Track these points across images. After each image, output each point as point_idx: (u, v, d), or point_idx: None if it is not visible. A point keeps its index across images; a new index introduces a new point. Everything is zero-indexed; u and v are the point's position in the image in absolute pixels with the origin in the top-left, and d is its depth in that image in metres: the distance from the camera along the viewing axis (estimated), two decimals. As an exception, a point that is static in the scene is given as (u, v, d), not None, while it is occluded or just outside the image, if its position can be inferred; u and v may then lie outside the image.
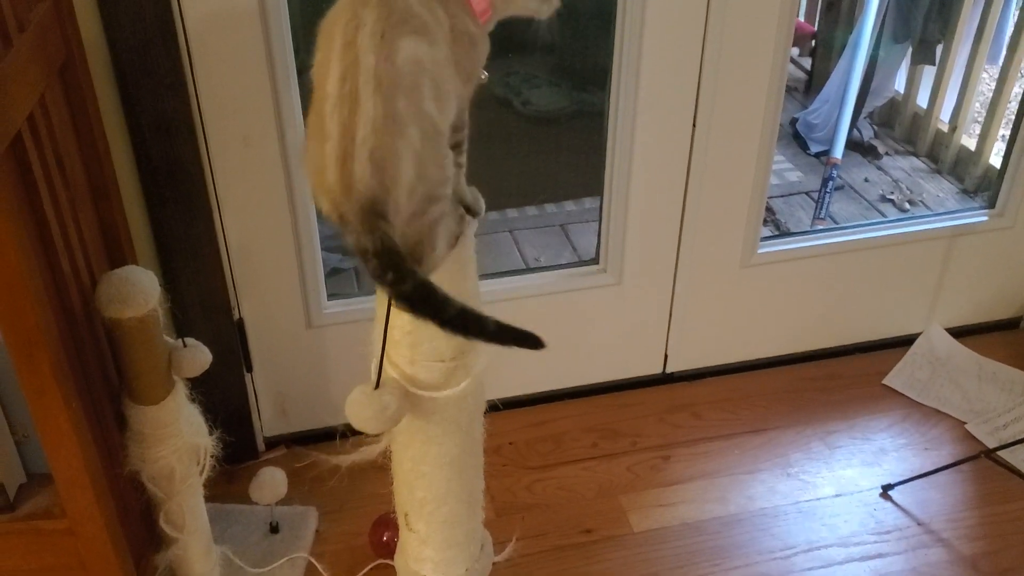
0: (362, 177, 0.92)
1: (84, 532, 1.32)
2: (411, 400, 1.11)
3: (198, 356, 1.42)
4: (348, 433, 1.17)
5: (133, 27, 1.45)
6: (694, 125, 1.85)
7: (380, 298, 1.10)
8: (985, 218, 2.19)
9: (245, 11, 1.54)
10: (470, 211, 1.11)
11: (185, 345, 1.42)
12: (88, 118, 1.38)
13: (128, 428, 1.42)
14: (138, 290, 1.32)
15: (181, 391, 1.45)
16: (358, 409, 1.07)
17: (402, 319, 1.07)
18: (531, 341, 1.03)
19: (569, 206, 2.73)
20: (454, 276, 1.06)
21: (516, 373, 2.07)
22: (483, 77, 1.07)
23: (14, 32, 1.13)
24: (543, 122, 2.77)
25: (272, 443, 1.99)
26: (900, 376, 2.19)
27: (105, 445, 1.36)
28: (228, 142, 1.64)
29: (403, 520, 1.25)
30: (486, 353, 1.15)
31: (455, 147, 1.03)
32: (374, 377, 1.10)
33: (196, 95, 1.57)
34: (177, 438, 1.44)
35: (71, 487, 1.29)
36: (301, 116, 1.67)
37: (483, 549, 1.33)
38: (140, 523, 1.49)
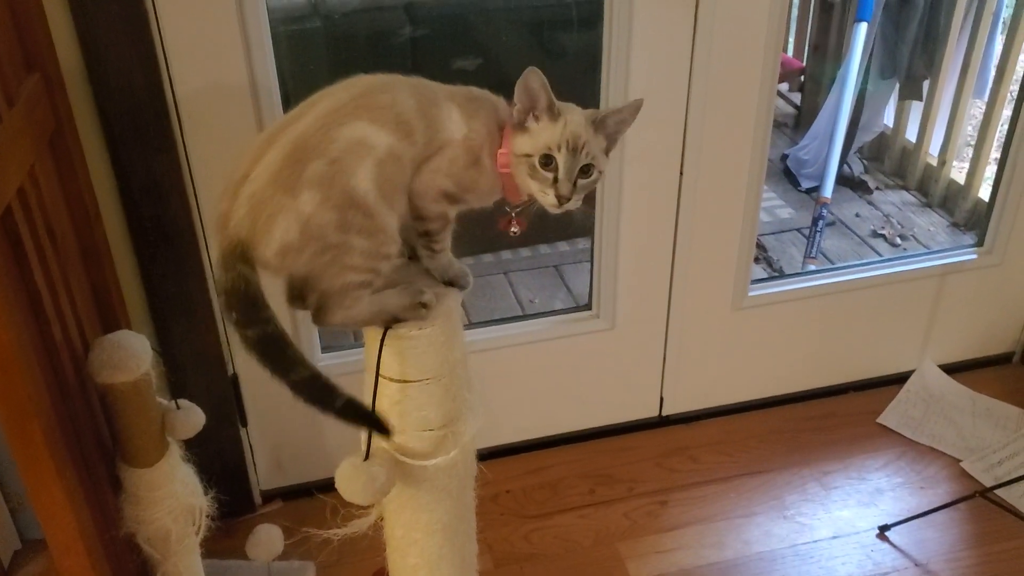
0: (235, 217, 0.98)
1: (79, 598, 1.32)
2: (401, 469, 1.11)
3: (191, 418, 1.43)
4: (340, 506, 1.18)
5: (123, 94, 1.47)
6: (681, 170, 1.87)
7: (368, 366, 1.11)
8: (974, 256, 2.20)
9: (233, 69, 1.56)
10: (454, 284, 1.13)
11: (179, 407, 1.43)
12: (78, 184, 1.39)
13: (123, 490, 1.42)
14: (130, 355, 1.32)
15: (175, 452, 1.45)
16: (347, 482, 1.08)
17: (390, 388, 1.08)
18: (377, 425, 1.06)
19: (562, 247, 2.74)
20: (441, 343, 1.07)
21: (512, 419, 2.08)
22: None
23: (3, 108, 1.15)
24: (535, 163, 2.79)
25: (269, 496, 1.99)
26: (894, 414, 2.19)
27: (100, 508, 1.35)
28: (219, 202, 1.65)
29: (396, 587, 1.26)
30: (476, 421, 1.16)
31: (423, 235, 1.09)
32: (363, 448, 1.10)
33: (186, 156, 1.59)
34: (172, 499, 1.44)
35: (66, 553, 1.28)
36: (291, 173, 1.69)
37: (478, 611, 1.33)
38: (136, 585, 1.49)
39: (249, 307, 0.99)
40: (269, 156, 0.98)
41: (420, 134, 1.02)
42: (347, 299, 1.03)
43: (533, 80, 1.06)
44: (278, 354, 1.01)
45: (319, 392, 1.03)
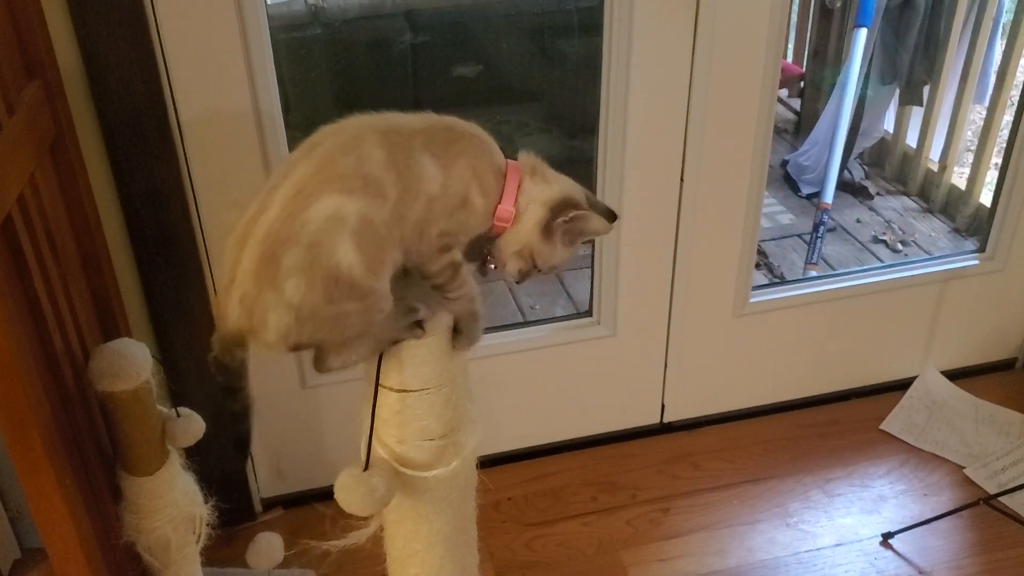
0: (231, 315, 1.00)
1: (79, 607, 1.32)
2: (401, 480, 1.11)
3: (192, 426, 1.42)
4: (339, 516, 1.17)
5: (123, 101, 1.47)
6: (682, 176, 1.86)
7: (368, 376, 1.10)
8: (976, 261, 2.20)
9: (233, 76, 1.55)
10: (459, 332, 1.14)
11: (179, 415, 1.42)
12: (79, 192, 1.39)
13: (123, 499, 1.41)
14: (130, 363, 1.32)
15: (176, 460, 1.44)
16: (347, 493, 1.07)
17: (390, 398, 1.07)
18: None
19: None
20: (440, 353, 1.07)
21: (513, 427, 2.07)
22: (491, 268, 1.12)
23: (3, 116, 1.14)
24: (536, 170, 2.79)
25: (269, 504, 1.98)
26: (897, 421, 2.19)
27: (100, 517, 1.35)
28: (219, 208, 1.64)
29: (397, 596, 1.25)
30: (476, 431, 1.15)
31: (437, 287, 1.07)
32: (363, 458, 1.09)
33: (187, 163, 1.59)
34: (172, 508, 1.43)
35: (66, 562, 1.28)
36: (292, 180, 1.68)
37: (479, 620, 1.32)
38: (136, 594, 1.48)
39: (234, 376, 1.05)
40: (245, 257, 0.98)
41: (392, 187, 0.99)
42: (344, 349, 1.04)
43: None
44: (237, 424, 1.10)
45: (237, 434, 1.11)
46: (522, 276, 1.10)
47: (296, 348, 1.02)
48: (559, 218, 1.05)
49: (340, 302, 0.98)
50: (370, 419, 1.09)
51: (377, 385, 1.06)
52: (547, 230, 1.06)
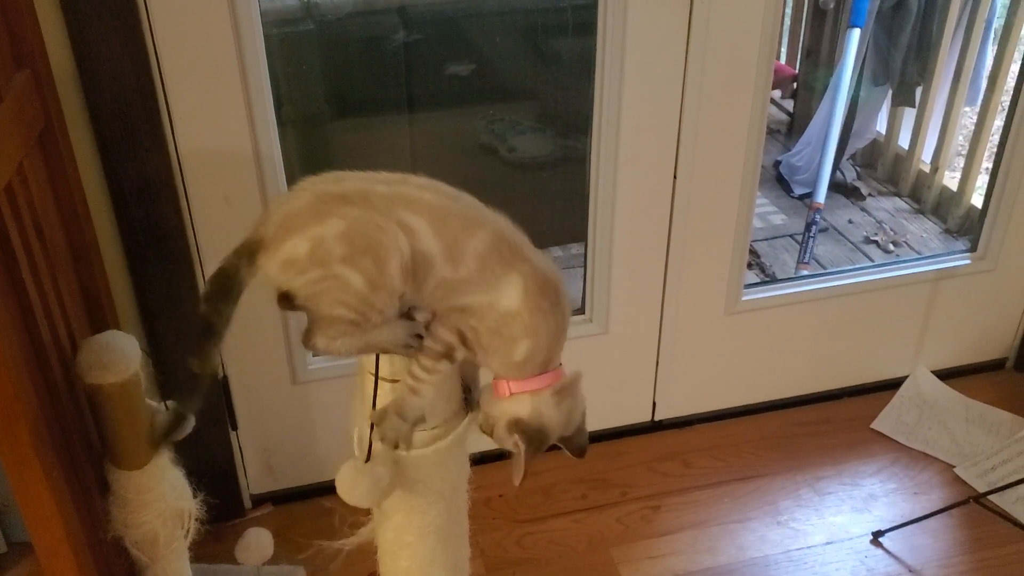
0: (266, 223, 1.00)
1: (66, 601, 1.31)
2: (398, 467, 1.10)
3: (181, 420, 1.41)
4: (346, 513, 1.17)
5: (113, 91, 1.46)
6: (675, 175, 1.86)
7: (362, 371, 1.10)
8: (968, 261, 2.20)
9: (225, 70, 1.55)
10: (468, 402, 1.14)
11: (168, 409, 1.41)
12: (68, 183, 1.38)
13: (111, 493, 1.40)
14: (119, 356, 1.31)
15: (164, 455, 1.43)
16: (351, 485, 1.07)
17: (383, 388, 1.07)
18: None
19: (556, 252, 2.73)
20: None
21: (504, 424, 2.06)
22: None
23: (-9, 105, 1.14)
24: (528, 168, 2.78)
25: (259, 500, 1.97)
26: (888, 420, 2.19)
27: (87, 511, 1.34)
28: (210, 201, 1.64)
29: (387, 589, 1.24)
30: (473, 421, 1.15)
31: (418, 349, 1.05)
32: (355, 450, 1.09)
33: (177, 156, 1.58)
34: (161, 502, 1.43)
35: (52, 556, 1.27)
36: (283, 173, 1.68)
37: (470, 615, 1.32)
38: (124, 589, 1.47)
39: (223, 292, 1.01)
40: (327, 187, 1.00)
41: (462, 272, 0.99)
42: (332, 330, 1.02)
43: None
44: (205, 339, 1.03)
45: (190, 384, 1.08)
46: (484, 430, 1.11)
47: (289, 296, 1.01)
48: (516, 436, 1.07)
49: (353, 269, 0.97)
50: (371, 409, 1.08)
51: (377, 376, 1.06)
52: (511, 429, 1.07)
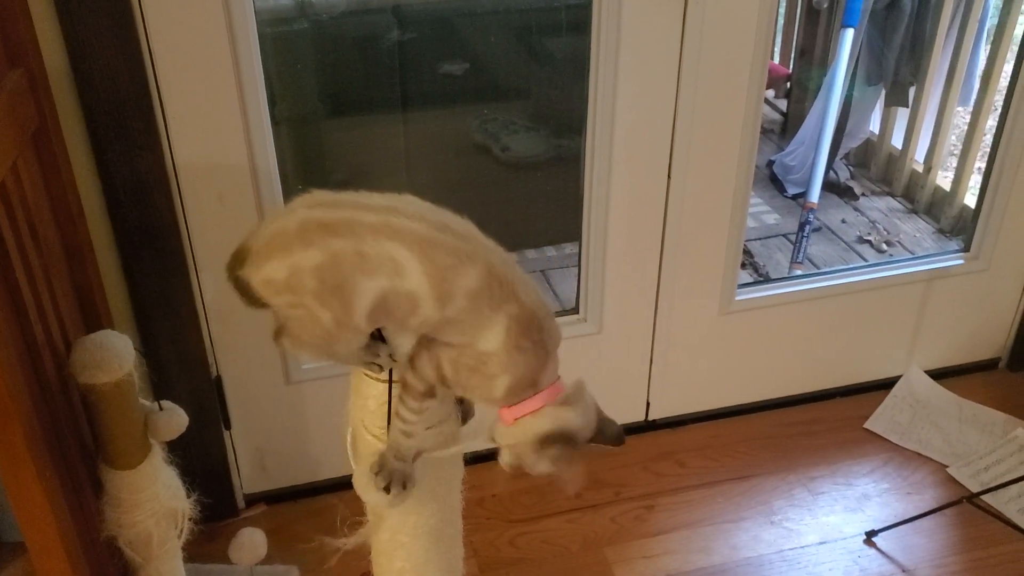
0: (257, 235, 1.01)
1: (59, 601, 1.30)
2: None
3: (174, 419, 1.41)
4: (347, 512, 1.17)
5: (107, 91, 1.45)
6: (669, 174, 1.86)
7: (356, 370, 1.10)
8: (961, 261, 2.21)
9: (219, 69, 1.54)
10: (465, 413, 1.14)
11: (161, 408, 1.41)
12: (62, 182, 1.38)
13: (104, 493, 1.40)
14: (112, 355, 1.31)
15: (158, 454, 1.43)
16: (366, 488, 1.07)
17: (377, 389, 1.07)
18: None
19: (550, 251, 2.73)
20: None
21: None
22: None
23: (-15, 103, 1.13)
24: (522, 168, 2.78)
25: (252, 500, 1.97)
26: (881, 420, 2.19)
27: (81, 511, 1.34)
28: (203, 200, 1.64)
29: (382, 590, 1.24)
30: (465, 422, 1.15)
31: (402, 385, 1.05)
32: (350, 449, 1.09)
33: (171, 155, 1.58)
34: (154, 502, 1.42)
35: (45, 556, 1.27)
36: (277, 173, 1.68)
37: (464, 616, 1.32)
38: (117, 589, 1.47)
39: (233, 267, 1.05)
40: (317, 213, 0.99)
41: (452, 311, 0.98)
42: (297, 347, 1.04)
43: None
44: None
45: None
46: (512, 469, 1.09)
47: (266, 306, 1.03)
48: (551, 450, 1.04)
49: (322, 307, 0.98)
50: (386, 410, 1.08)
51: (391, 380, 1.06)
52: (538, 449, 1.05)
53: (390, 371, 1.08)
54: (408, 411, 1.05)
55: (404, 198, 1.01)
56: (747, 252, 2.76)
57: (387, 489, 1.09)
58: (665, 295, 2.00)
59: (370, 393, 1.08)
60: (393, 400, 1.07)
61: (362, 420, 1.11)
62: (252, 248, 1.01)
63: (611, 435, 1.10)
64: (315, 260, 0.96)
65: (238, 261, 1.02)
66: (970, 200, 2.78)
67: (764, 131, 3.41)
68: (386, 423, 1.09)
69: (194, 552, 1.62)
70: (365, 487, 1.10)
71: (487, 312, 0.98)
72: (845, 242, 2.87)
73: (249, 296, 1.03)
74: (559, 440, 1.03)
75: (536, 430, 1.03)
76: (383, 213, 0.98)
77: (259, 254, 1.00)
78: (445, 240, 0.98)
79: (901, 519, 1.89)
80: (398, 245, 0.96)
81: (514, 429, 1.04)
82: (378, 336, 1.07)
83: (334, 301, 0.97)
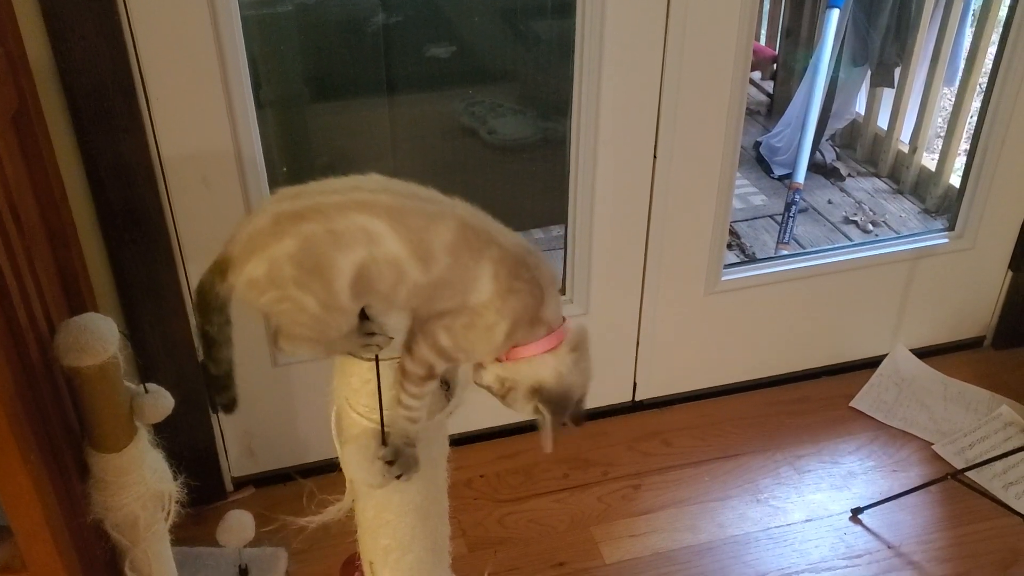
0: (234, 242, 1.01)
1: (46, 585, 1.30)
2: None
3: (160, 402, 1.41)
4: (316, 491, 1.17)
5: (88, 71, 1.44)
6: (655, 155, 1.86)
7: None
8: (946, 240, 2.22)
9: (202, 51, 1.53)
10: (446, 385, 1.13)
11: (147, 391, 1.41)
12: (43, 165, 1.37)
13: (90, 476, 1.40)
14: (96, 338, 1.30)
15: (144, 437, 1.43)
16: (363, 467, 1.07)
17: (361, 367, 1.07)
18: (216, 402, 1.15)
19: (537, 234, 2.73)
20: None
21: (485, 404, 2.06)
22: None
23: (-36, 84, 1.12)
24: (509, 150, 2.78)
25: (240, 483, 1.97)
26: (867, 398, 2.20)
27: (67, 494, 1.33)
28: (187, 183, 1.63)
29: (368, 569, 1.24)
30: (453, 400, 1.15)
31: (401, 373, 1.05)
32: (335, 429, 1.09)
33: (154, 137, 1.57)
34: (140, 485, 1.42)
35: (31, 540, 1.27)
36: (261, 155, 1.67)
37: (450, 594, 1.32)
38: (105, 572, 1.47)
39: (206, 305, 1.04)
40: (287, 204, 1.00)
41: (435, 272, 0.98)
42: (294, 343, 1.04)
43: None
44: (208, 345, 1.08)
45: (213, 383, 1.13)
46: (486, 388, 1.09)
47: (257, 310, 1.02)
48: (538, 403, 1.05)
49: (305, 293, 0.98)
50: (372, 388, 1.09)
51: (378, 358, 1.06)
52: (529, 395, 1.05)
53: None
54: (410, 398, 1.05)
55: (367, 176, 1.02)
56: (733, 233, 2.77)
57: (399, 476, 1.09)
58: (651, 276, 2.01)
59: (353, 371, 1.08)
60: (394, 389, 1.06)
61: (347, 398, 1.11)
62: (231, 256, 1.01)
63: (577, 414, 1.10)
64: (290, 248, 0.97)
65: (219, 273, 1.01)
66: (955, 180, 2.79)
67: (750, 112, 3.41)
68: (372, 401, 1.09)
69: (182, 535, 1.62)
70: (357, 465, 1.10)
71: (470, 264, 0.98)
72: (831, 222, 2.88)
73: (211, 317, 1.04)
74: (554, 399, 1.03)
75: (536, 378, 1.02)
76: (348, 192, 0.99)
77: (239, 259, 1.00)
78: (412, 204, 0.99)
79: (887, 496, 1.91)
80: (367, 216, 0.97)
81: (519, 365, 1.03)
82: (365, 316, 1.07)
83: (315, 283, 0.97)
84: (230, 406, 1.15)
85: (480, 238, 0.99)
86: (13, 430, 1.15)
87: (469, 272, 0.99)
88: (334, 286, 0.97)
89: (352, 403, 1.10)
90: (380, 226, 0.96)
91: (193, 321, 1.71)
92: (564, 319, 1.05)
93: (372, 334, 1.06)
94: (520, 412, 1.06)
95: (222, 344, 1.07)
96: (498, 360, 1.04)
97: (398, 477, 1.09)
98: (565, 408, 1.05)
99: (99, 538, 1.43)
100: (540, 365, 1.03)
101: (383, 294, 1.00)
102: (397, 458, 1.09)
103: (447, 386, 1.15)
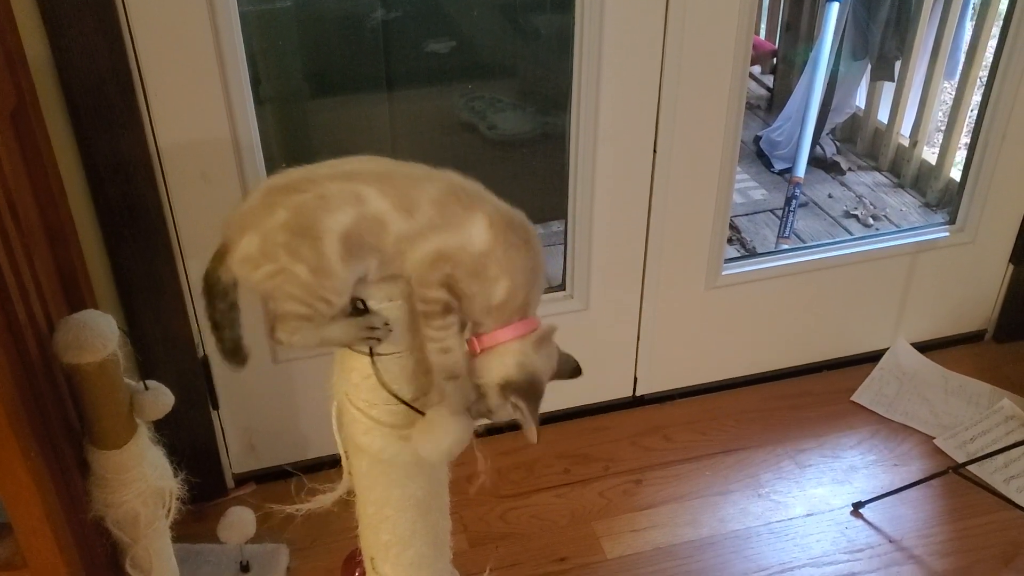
0: (230, 222, 1.03)
1: (47, 582, 1.30)
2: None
3: (160, 398, 1.41)
4: (302, 476, 1.17)
5: (86, 67, 1.44)
6: (655, 150, 1.86)
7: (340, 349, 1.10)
8: (946, 234, 2.21)
9: (200, 47, 1.53)
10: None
11: (147, 388, 1.41)
12: (42, 161, 1.37)
13: (91, 473, 1.40)
14: (96, 335, 1.30)
15: (144, 434, 1.43)
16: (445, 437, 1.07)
17: (361, 362, 1.07)
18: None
19: (537, 230, 2.72)
20: (412, 318, 1.05)
21: (486, 401, 2.06)
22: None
23: (-39, 81, 1.12)
24: (509, 146, 2.78)
25: (241, 480, 1.97)
26: (868, 392, 2.20)
27: (67, 491, 1.33)
28: (187, 179, 1.63)
29: (369, 565, 1.24)
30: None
31: (423, 315, 1.04)
32: (335, 423, 1.09)
33: (152, 132, 1.56)
34: (141, 482, 1.42)
35: (32, 537, 1.27)
36: (260, 149, 1.67)
37: (451, 589, 1.32)
38: (106, 569, 1.47)
39: (211, 293, 1.07)
40: (276, 180, 1.03)
41: (421, 218, 1.00)
42: (289, 325, 1.04)
43: None
44: (216, 331, 1.10)
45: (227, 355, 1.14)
46: (476, 415, 1.10)
47: (254, 289, 1.04)
48: (513, 397, 1.05)
49: (295, 259, 0.99)
50: (371, 383, 1.09)
51: (373, 353, 1.06)
52: (501, 393, 1.05)
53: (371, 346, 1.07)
54: (435, 330, 1.04)
55: (357, 156, 1.05)
56: (734, 227, 2.77)
57: (471, 411, 1.10)
58: (652, 271, 2.00)
59: (353, 366, 1.08)
60: (419, 326, 1.06)
61: (346, 393, 1.10)
62: (227, 238, 1.03)
63: (569, 370, 1.11)
64: (282, 218, 0.99)
65: (219, 257, 1.04)
66: (956, 174, 2.78)
67: (750, 107, 3.41)
68: (372, 396, 1.09)
69: (183, 532, 1.62)
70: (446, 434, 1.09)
71: (460, 211, 1.01)
72: (831, 217, 2.87)
73: (215, 303, 1.06)
74: (524, 386, 1.03)
75: (501, 375, 1.03)
76: (336, 165, 1.03)
77: (234, 238, 1.02)
78: (402, 171, 1.03)
79: (888, 490, 1.90)
80: (357, 183, 1.00)
81: (486, 364, 1.04)
82: (364, 309, 1.06)
83: (304, 247, 0.98)
84: (241, 364, 1.16)
85: (471, 196, 1.02)
86: (13, 427, 1.15)
87: (459, 218, 1.00)
88: (323, 246, 0.98)
89: (352, 398, 1.10)
90: (368, 190, 1.00)
91: (193, 314, 1.73)
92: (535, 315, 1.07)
93: (373, 326, 1.06)
94: (500, 417, 1.07)
95: (227, 328, 1.09)
96: (471, 353, 1.05)
97: (469, 410, 1.09)
98: (537, 394, 1.05)
99: (100, 535, 1.43)
100: (505, 354, 1.04)
101: (371, 246, 1.01)
102: (446, 394, 1.07)
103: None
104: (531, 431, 1.06)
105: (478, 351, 1.05)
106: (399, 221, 1.00)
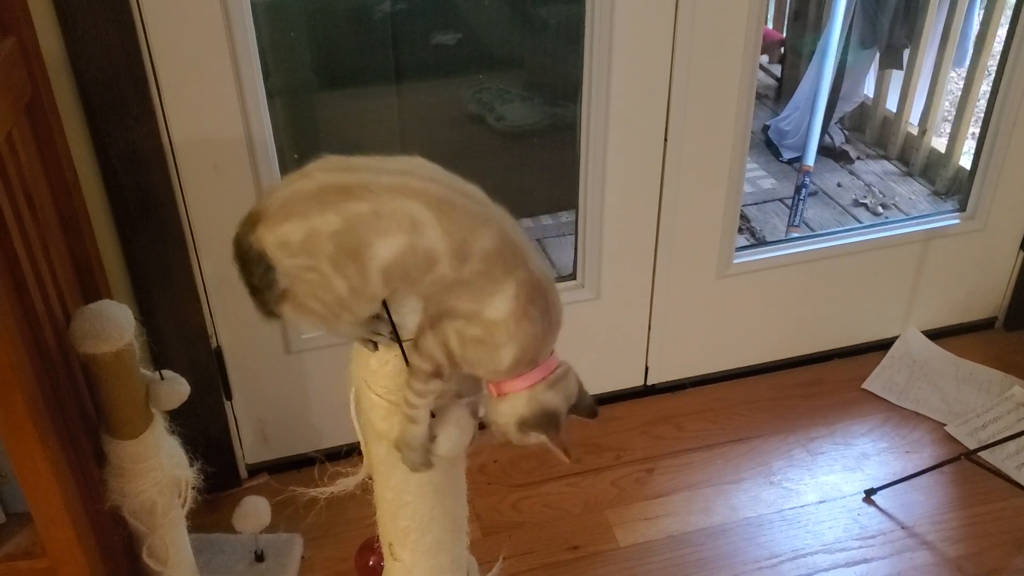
0: (272, 196, 0.99)
1: (65, 570, 1.31)
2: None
3: (176, 388, 1.42)
4: (324, 461, 1.17)
5: (100, 60, 1.45)
6: (666, 139, 1.86)
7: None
8: (957, 221, 2.21)
9: (213, 39, 1.54)
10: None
11: (163, 378, 1.41)
12: (56, 152, 1.37)
13: (107, 463, 1.41)
14: (112, 324, 1.31)
15: (160, 424, 1.44)
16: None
17: (381, 349, 1.07)
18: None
19: (546, 220, 2.73)
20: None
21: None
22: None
23: (-22, 72, 1.13)
24: (517, 137, 2.78)
25: (254, 470, 1.98)
26: (879, 380, 2.20)
27: (84, 481, 1.34)
28: (199, 170, 1.63)
29: (387, 550, 1.25)
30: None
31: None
32: (353, 410, 1.09)
33: (166, 124, 1.57)
34: (157, 471, 1.43)
35: (51, 525, 1.27)
36: (272, 142, 1.67)
37: (468, 575, 1.32)
38: (123, 558, 1.48)
39: (242, 258, 1.01)
40: (332, 177, 0.98)
41: (465, 272, 0.97)
42: (299, 311, 1.02)
43: None
44: (254, 295, 1.03)
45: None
46: (502, 440, 1.09)
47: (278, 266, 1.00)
48: (532, 433, 1.05)
49: (338, 275, 0.97)
50: (388, 369, 1.09)
51: (400, 339, 1.06)
52: (520, 430, 1.05)
53: (393, 326, 1.07)
54: (414, 395, 1.05)
55: (416, 160, 1.00)
56: (744, 217, 2.77)
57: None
58: (663, 260, 2.01)
59: (370, 353, 1.08)
60: (402, 390, 1.07)
61: (365, 380, 1.11)
62: (266, 210, 0.98)
63: (585, 408, 1.10)
64: (333, 225, 0.95)
65: (251, 224, 0.99)
66: (965, 162, 2.78)
67: (759, 96, 3.40)
68: (390, 382, 1.09)
69: (198, 522, 1.63)
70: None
71: (499, 276, 0.97)
72: (841, 205, 2.87)
73: (251, 268, 1.00)
74: (539, 424, 1.04)
75: (518, 413, 1.03)
76: (399, 175, 0.97)
77: (274, 216, 0.98)
78: (462, 202, 0.97)
79: (900, 477, 1.91)
80: (416, 203, 0.95)
81: (500, 405, 1.04)
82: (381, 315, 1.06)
83: (351, 267, 0.96)
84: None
85: (516, 256, 0.98)
86: (31, 415, 1.16)
87: (494, 284, 0.98)
88: (369, 270, 0.96)
89: (371, 384, 1.10)
90: (427, 216, 0.95)
91: (207, 305, 1.74)
92: (553, 352, 1.05)
93: (379, 333, 1.07)
94: (532, 443, 1.07)
95: (267, 289, 1.02)
96: (489, 394, 1.06)
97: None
98: (556, 425, 1.05)
99: (117, 525, 1.44)
100: (517, 399, 1.04)
101: (410, 279, 0.98)
102: (403, 460, 1.09)
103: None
104: (560, 456, 1.06)
105: (495, 395, 1.05)
106: (448, 266, 0.96)
